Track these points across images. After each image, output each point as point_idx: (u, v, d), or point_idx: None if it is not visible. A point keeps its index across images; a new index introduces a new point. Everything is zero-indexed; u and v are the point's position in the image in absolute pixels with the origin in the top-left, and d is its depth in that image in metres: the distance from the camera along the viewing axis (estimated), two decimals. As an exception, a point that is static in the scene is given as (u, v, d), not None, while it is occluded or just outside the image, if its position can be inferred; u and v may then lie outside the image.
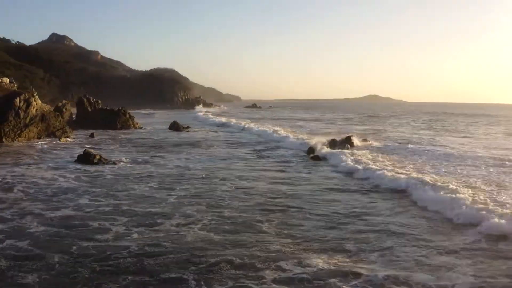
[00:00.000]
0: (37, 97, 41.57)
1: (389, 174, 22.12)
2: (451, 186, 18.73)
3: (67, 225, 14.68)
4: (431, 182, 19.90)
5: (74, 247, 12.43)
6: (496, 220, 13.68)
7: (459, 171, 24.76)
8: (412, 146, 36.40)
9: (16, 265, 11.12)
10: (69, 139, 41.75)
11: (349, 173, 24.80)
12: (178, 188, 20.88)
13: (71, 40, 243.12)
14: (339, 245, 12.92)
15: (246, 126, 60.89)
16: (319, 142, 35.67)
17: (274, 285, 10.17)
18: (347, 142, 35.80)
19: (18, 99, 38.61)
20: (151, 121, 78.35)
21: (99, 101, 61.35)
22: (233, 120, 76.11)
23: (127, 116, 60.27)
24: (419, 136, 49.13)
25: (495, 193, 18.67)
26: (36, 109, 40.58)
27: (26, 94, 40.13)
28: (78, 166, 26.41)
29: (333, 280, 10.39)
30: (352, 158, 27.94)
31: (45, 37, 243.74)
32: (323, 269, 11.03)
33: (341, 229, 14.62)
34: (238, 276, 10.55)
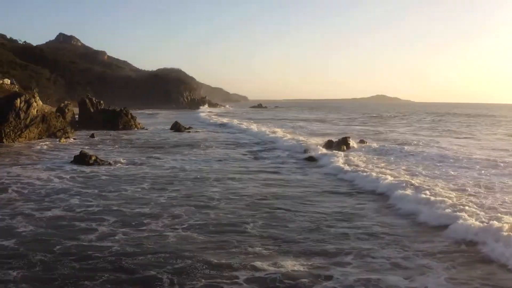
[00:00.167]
0: (38, 98, 42.15)
1: (374, 177, 22.27)
2: (433, 189, 19.01)
3: (54, 225, 15.07)
4: (416, 184, 20.13)
5: (58, 247, 12.81)
6: (468, 223, 13.84)
7: (452, 173, 24.89)
8: (408, 147, 36.50)
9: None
10: (69, 140, 42.28)
11: (336, 175, 24.99)
12: (169, 189, 21.23)
13: (78, 40, 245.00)
14: (318, 247, 13.17)
15: (246, 127, 61.15)
16: (315, 144, 35.94)
17: (245, 284, 10.48)
18: (343, 143, 35.98)
19: (18, 100, 39.20)
20: (153, 122, 78.89)
21: (101, 102, 62.00)
22: (235, 121, 76.48)
23: (129, 116, 60.76)
24: (418, 137, 49.19)
25: (479, 195, 18.87)
26: (37, 110, 41.16)
27: (27, 95, 40.74)
28: (74, 167, 26.84)
29: (303, 280, 10.67)
30: (343, 160, 28.23)
31: (52, 37, 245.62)
32: (297, 271, 11.29)
33: (323, 231, 14.88)
34: (212, 275, 10.87)
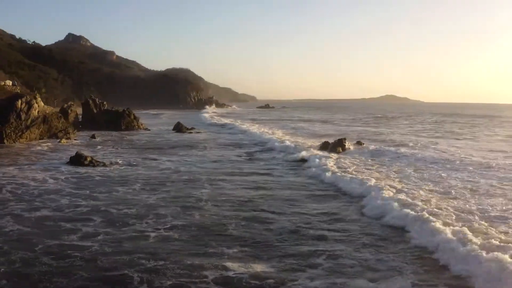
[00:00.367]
0: (39, 99, 42.94)
1: (358, 180, 22.45)
2: (412, 193, 19.31)
3: (40, 225, 15.62)
4: (398, 188, 20.45)
5: (40, 246, 13.36)
6: (433, 228, 14.07)
7: (442, 175, 25.01)
8: (404, 149, 36.62)
9: (-19, 260, 12.11)
10: (69, 141, 42.91)
11: (321, 177, 25.08)
12: (160, 190, 21.68)
13: (87, 40, 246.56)
14: (292, 249, 13.50)
15: (246, 128, 61.51)
16: (309, 146, 36.18)
17: (212, 283, 10.90)
18: (339, 145, 36.21)
19: (19, 102, 39.99)
20: (157, 122, 79.63)
21: (105, 103, 62.66)
22: (237, 122, 76.93)
23: (132, 117, 61.39)
24: (417, 139, 49.30)
25: (460, 198, 19.02)
26: (38, 111, 41.93)
27: (28, 97, 41.53)
28: (70, 167, 27.43)
29: (269, 281, 11.02)
30: (334, 162, 28.56)
31: (62, 37, 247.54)
32: (266, 272, 11.63)
33: (301, 232, 15.18)
34: (181, 275, 11.31)
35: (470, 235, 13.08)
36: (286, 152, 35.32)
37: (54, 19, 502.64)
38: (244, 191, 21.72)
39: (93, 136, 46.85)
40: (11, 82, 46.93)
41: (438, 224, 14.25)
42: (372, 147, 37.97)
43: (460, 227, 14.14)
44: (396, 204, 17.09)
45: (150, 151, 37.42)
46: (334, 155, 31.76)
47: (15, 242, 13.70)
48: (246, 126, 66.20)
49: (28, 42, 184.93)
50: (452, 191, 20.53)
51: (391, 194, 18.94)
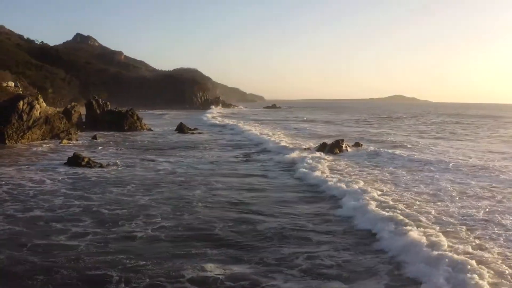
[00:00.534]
0: (41, 100, 43.53)
1: (346, 182, 22.60)
2: (398, 196, 19.50)
3: (31, 225, 16.05)
4: (385, 190, 20.74)
5: (28, 245, 13.79)
6: (399, 229, 14.32)
7: (436, 176, 25.10)
8: (401, 151, 36.68)
9: (-32, 258, 12.60)
10: (71, 141, 43.44)
11: (304, 179, 25.37)
12: (153, 192, 22.00)
13: (95, 40, 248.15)
14: (274, 251, 13.75)
15: (247, 130, 61.72)
16: (309, 147, 36.41)
17: (187, 283, 11.24)
18: (336, 146, 36.38)
19: (21, 102, 40.59)
20: (161, 123, 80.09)
21: (108, 103, 63.21)
22: (240, 123, 77.23)
23: (135, 117, 61.83)
24: (417, 140, 49.39)
25: (444, 201, 19.15)
26: (40, 112, 42.52)
27: (30, 98, 42.16)
28: (67, 168, 27.86)
29: (243, 283, 11.33)
30: (328, 164, 28.85)
31: (70, 38, 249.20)
32: (242, 273, 11.93)
33: (286, 234, 15.41)
34: (159, 274, 11.67)
35: (440, 238, 13.21)
36: (282, 153, 35.49)
37: (62, 19, 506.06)
38: (236, 193, 21.99)
39: (94, 137, 47.28)
40: (13, 83, 47.56)
41: (409, 227, 14.36)
42: (370, 148, 38.09)
43: (437, 231, 14.29)
44: (372, 207, 17.21)
45: (149, 152, 37.82)
46: (330, 157, 31.99)
47: (3, 241, 14.13)
48: (248, 127, 66.51)
49: (36, 42, 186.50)
50: (441, 193, 20.64)
51: (375, 196, 19.10)
